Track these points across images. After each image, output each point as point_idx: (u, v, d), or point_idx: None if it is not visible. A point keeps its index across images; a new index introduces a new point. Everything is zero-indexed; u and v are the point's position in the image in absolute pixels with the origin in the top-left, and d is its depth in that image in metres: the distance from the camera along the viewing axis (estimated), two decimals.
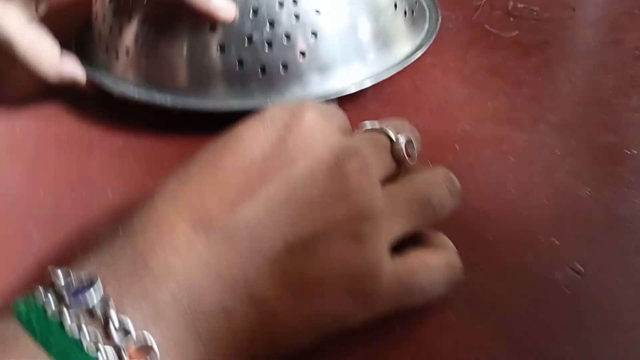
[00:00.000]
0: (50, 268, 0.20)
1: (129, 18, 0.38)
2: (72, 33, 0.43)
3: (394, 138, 0.26)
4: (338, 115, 0.27)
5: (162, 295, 0.20)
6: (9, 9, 0.36)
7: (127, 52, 0.38)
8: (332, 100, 0.36)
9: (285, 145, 0.24)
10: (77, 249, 0.30)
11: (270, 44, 0.35)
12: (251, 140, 0.24)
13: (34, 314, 0.19)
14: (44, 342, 0.18)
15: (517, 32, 0.44)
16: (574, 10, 0.48)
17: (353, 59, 0.38)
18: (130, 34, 0.38)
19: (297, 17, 0.36)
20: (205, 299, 0.20)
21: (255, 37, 0.35)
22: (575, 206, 0.31)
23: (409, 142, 0.26)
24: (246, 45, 0.35)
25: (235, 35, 0.35)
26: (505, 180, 0.33)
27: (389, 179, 0.25)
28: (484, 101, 0.38)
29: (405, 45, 0.41)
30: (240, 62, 0.36)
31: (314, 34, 0.36)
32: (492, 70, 0.41)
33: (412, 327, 0.26)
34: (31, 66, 0.38)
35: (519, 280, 0.28)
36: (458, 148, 0.35)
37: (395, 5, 0.39)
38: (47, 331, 0.18)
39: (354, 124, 0.27)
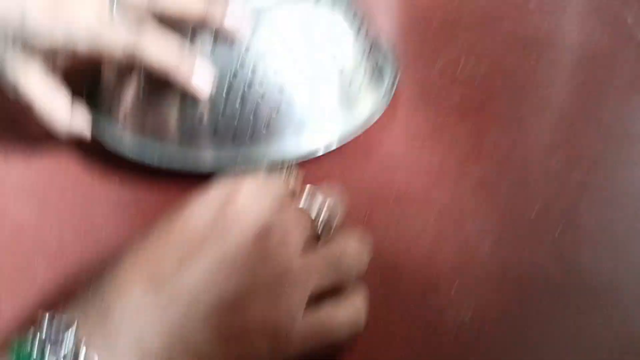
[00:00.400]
0: (40, 312, 0.27)
1: (129, 75, 0.45)
2: (84, 78, 0.49)
3: (313, 217, 0.33)
4: (275, 187, 0.34)
5: (121, 341, 0.27)
6: (30, 68, 0.42)
7: (126, 105, 0.45)
8: (289, 162, 0.43)
9: (222, 218, 0.30)
10: (73, 283, 0.38)
11: (239, 117, 0.43)
12: (196, 213, 0.30)
13: (23, 354, 0.26)
14: None
15: (458, 98, 0.51)
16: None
17: (318, 124, 0.45)
18: (129, 90, 0.45)
19: (262, 96, 0.43)
20: (153, 347, 0.27)
21: (228, 111, 0.43)
22: (475, 260, 0.38)
23: (327, 222, 0.33)
24: (220, 116, 0.43)
25: (210, 110, 0.43)
26: (423, 233, 0.40)
27: (311, 247, 0.32)
28: (421, 159, 0.46)
29: (366, 105, 0.48)
30: (215, 132, 0.43)
31: (276, 109, 0.43)
32: (434, 132, 0.48)
33: None
34: (45, 124, 0.44)
35: (420, 320, 0.35)
36: (391, 204, 0.42)
37: (350, 83, 0.46)
38: None
39: (308, 180, 0.36)
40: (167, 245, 0.30)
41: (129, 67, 0.44)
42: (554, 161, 0.45)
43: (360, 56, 0.47)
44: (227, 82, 0.42)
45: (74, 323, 0.27)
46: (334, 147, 0.45)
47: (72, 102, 0.45)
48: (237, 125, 0.43)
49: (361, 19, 0.49)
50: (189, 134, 0.44)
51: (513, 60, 0.56)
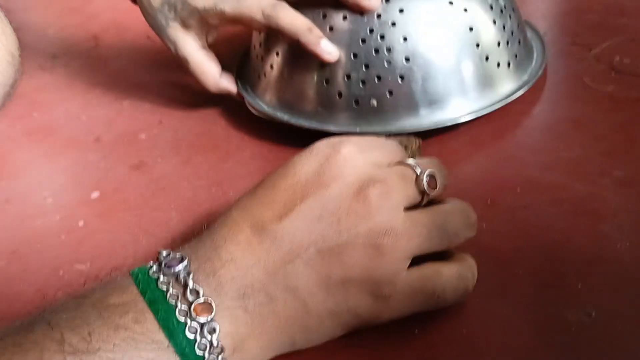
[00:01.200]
0: (159, 250, 0.29)
1: (270, 50, 0.48)
2: (236, 57, 0.55)
3: (418, 171, 0.32)
4: (377, 150, 0.33)
5: (225, 274, 0.28)
6: (187, 37, 0.49)
7: (266, 76, 0.49)
8: (413, 134, 0.43)
9: (323, 173, 0.30)
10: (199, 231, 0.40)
11: (364, 82, 0.44)
12: (300, 168, 0.31)
13: (141, 274, 0.28)
14: (143, 291, 0.27)
15: (613, 87, 0.47)
16: None
17: (444, 96, 0.44)
18: (268, 62, 0.48)
19: (389, 62, 0.43)
20: (254, 284, 0.28)
21: (353, 76, 0.44)
22: (610, 257, 0.35)
23: (431, 177, 0.32)
24: (345, 81, 0.44)
25: (336, 73, 0.44)
26: (553, 224, 0.37)
27: (413, 207, 0.31)
28: (558, 151, 0.43)
29: (505, 87, 0.46)
30: (339, 94, 0.45)
31: (402, 77, 0.43)
32: (576, 123, 0.45)
33: (427, 334, 0.32)
34: (198, 79, 0.50)
35: (531, 312, 0.33)
36: (519, 191, 0.40)
37: (487, 58, 0.45)
38: (146, 284, 0.28)
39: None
40: (273, 193, 0.31)
41: (269, 35, 0.48)
42: None
43: (500, 33, 0.46)
44: (355, 46, 0.44)
45: (186, 258, 0.29)
46: (459, 122, 0.44)
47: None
48: (362, 89, 0.44)
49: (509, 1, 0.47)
50: (320, 99, 0.46)
51: None
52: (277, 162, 0.33)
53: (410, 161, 0.32)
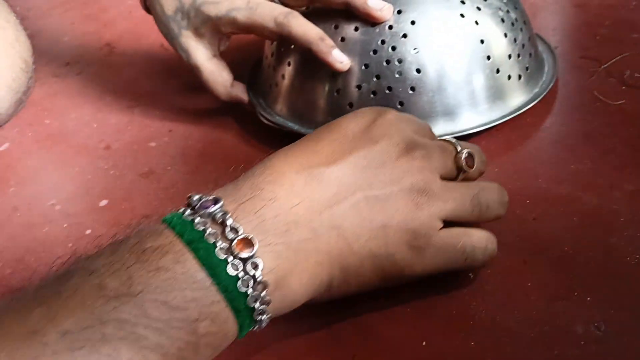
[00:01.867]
0: (189, 195, 0.28)
1: (282, 60, 0.48)
2: (248, 67, 0.55)
3: (458, 148, 0.34)
4: (417, 124, 0.35)
5: (267, 212, 0.28)
6: (199, 45, 0.49)
7: (277, 86, 0.49)
8: None
9: (370, 130, 0.32)
10: None
11: (375, 93, 0.44)
12: (346, 125, 0.33)
13: (175, 217, 0.28)
14: (180, 233, 0.27)
15: (623, 101, 0.47)
16: None
17: (454, 107, 0.44)
18: (280, 72, 0.48)
19: (400, 73, 0.43)
20: (299, 220, 0.29)
21: (364, 86, 0.44)
22: (620, 271, 0.35)
23: (469, 155, 0.34)
24: (356, 91, 0.44)
25: (347, 84, 0.45)
26: (562, 237, 0.37)
27: (449, 179, 0.33)
28: (568, 164, 0.42)
29: (516, 99, 0.46)
30: (350, 105, 0.45)
31: (412, 88, 0.43)
32: (586, 136, 0.45)
33: (436, 346, 0.32)
34: (209, 87, 0.50)
35: (539, 323, 0.32)
36: (529, 202, 0.40)
37: (498, 70, 0.45)
38: (182, 227, 0.27)
39: None
40: (319, 144, 0.32)
41: (281, 45, 0.48)
42: None
43: (511, 46, 0.46)
44: (367, 56, 0.44)
45: (220, 200, 0.28)
46: (469, 133, 0.44)
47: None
48: (373, 100, 0.44)
49: (520, 12, 0.47)
50: (330, 109, 0.46)
51: None
52: None
53: (452, 139, 0.35)
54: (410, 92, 0.43)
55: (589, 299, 0.33)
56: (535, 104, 0.46)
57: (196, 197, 0.28)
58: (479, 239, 0.33)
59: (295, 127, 0.47)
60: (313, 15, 0.46)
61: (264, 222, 0.28)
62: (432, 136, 0.36)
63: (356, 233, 0.30)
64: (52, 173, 0.50)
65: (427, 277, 0.33)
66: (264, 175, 0.30)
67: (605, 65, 0.52)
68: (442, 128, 0.44)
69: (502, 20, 0.45)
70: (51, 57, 0.67)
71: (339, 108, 0.45)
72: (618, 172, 0.41)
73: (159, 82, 0.60)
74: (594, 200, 0.39)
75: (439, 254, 0.32)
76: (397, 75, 0.43)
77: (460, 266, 0.33)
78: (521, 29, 0.47)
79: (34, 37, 0.60)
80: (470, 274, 0.35)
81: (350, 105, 0.45)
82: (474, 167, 0.35)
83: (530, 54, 0.48)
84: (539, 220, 0.39)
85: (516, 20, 0.46)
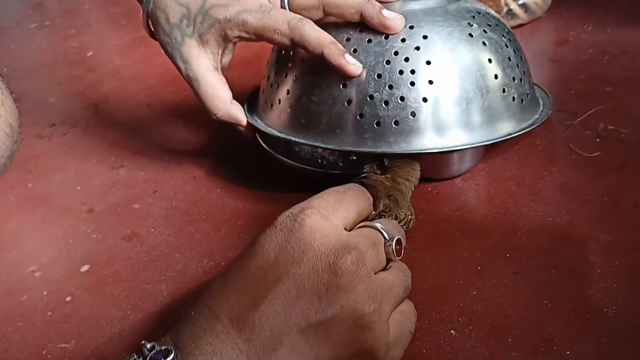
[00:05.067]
0: (142, 342, 0.29)
1: (287, 75, 0.48)
2: (248, 87, 0.55)
3: (386, 237, 0.32)
4: (343, 206, 0.33)
5: None
6: (202, 55, 0.47)
7: (281, 103, 0.48)
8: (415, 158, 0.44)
9: (292, 248, 0.30)
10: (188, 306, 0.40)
11: (386, 103, 0.43)
12: (266, 246, 0.30)
13: None
14: None
15: (598, 153, 0.48)
16: None
17: (456, 127, 0.44)
18: (284, 88, 0.48)
19: (412, 84, 0.43)
20: None
21: (376, 96, 0.44)
22: (598, 323, 0.35)
23: (398, 241, 0.33)
24: (367, 101, 0.44)
25: (359, 93, 0.44)
26: (541, 290, 0.37)
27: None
28: (546, 216, 0.43)
29: (504, 126, 0.46)
30: (361, 115, 0.44)
31: (425, 99, 0.43)
32: (563, 188, 0.45)
33: None
34: (207, 102, 0.48)
35: None
36: (508, 256, 0.40)
37: (504, 90, 0.45)
38: None
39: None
40: (244, 276, 0.30)
41: (286, 60, 0.48)
42: None
43: (515, 69, 0.46)
44: (379, 67, 0.44)
45: (171, 352, 0.28)
46: (480, 145, 0.44)
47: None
48: (385, 110, 0.44)
49: (519, 47, 0.49)
50: (340, 121, 0.45)
51: None
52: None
53: (378, 225, 0.33)
54: (423, 102, 0.43)
55: (568, 352, 0.33)
56: (515, 157, 0.48)
57: (149, 346, 0.29)
58: (410, 313, 0.34)
59: (299, 139, 0.46)
60: (325, 28, 0.46)
61: None
62: (363, 200, 0.35)
63: None
64: (33, 237, 0.50)
65: None
66: (200, 322, 0.30)
67: (580, 118, 0.53)
68: (438, 142, 0.44)
69: (506, 45, 0.46)
70: (37, 118, 0.68)
71: (349, 119, 0.45)
72: (594, 224, 0.42)
73: (144, 143, 0.60)
74: (571, 252, 0.40)
75: (397, 348, 0.32)
76: (409, 86, 0.43)
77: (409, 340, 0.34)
78: (521, 57, 0.48)
79: (20, 98, 0.60)
80: (452, 331, 0.35)
81: (361, 115, 0.44)
82: (402, 253, 0.33)
83: (529, 82, 0.49)
84: (519, 274, 0.39)
85: (517, 49, 0.48)
